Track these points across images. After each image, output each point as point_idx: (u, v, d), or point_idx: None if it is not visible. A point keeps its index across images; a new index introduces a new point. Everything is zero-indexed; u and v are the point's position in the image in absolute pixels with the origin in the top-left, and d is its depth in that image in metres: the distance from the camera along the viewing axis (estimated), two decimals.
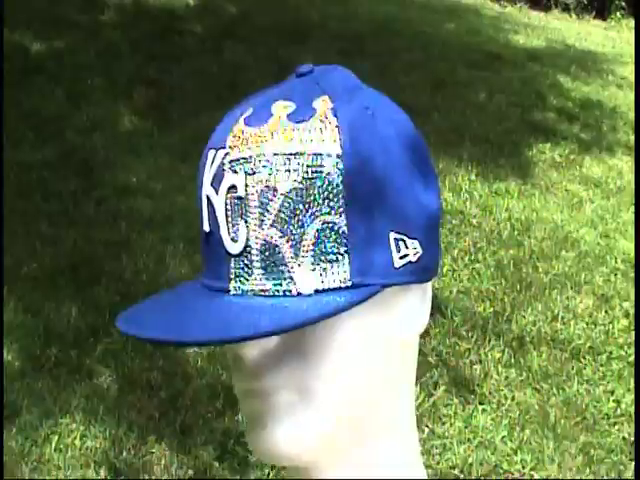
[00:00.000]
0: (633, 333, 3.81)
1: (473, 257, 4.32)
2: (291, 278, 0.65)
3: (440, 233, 0.73)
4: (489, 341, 3.71)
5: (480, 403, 3.38)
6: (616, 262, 4.42)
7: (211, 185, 0.67)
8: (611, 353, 3.75)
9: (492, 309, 3.93)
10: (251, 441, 0.71)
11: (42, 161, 4.69)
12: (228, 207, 0.66)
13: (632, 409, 3.38)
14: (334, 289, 0.65)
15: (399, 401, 0.73)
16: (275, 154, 0.65)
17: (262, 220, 0.65)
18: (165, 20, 6.86)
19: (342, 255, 0.65)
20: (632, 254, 4.42)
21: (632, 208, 5.00)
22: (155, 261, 3.97)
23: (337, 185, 0.64)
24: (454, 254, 4.31)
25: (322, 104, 0.67)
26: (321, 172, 0.64)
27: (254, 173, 0.65)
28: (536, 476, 3.08)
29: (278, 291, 0.65)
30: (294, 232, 0.64)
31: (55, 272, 3.80)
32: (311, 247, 0.65)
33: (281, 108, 0.67)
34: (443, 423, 3.26)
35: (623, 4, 11.08)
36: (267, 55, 6.26)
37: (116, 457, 2.94)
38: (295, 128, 0.65)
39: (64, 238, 4.06)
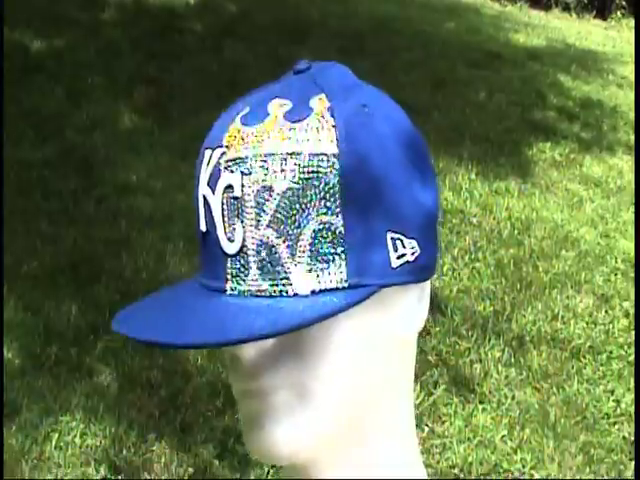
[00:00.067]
0: (633, 333, 3.81)
1: (473, 256, 4.32)
2: (287, 279, 0.64)
3: (438, 232, 0.72)
4: (489, 340, 3.71)
5: (480, 402, 3.38)
6: (616, 262, 4.42)
7: (207, 185, 0.67)
8: (611, 353, 3.75)
9: (492, 308, 3.93)
10: (248, 441, 0.70)
11: (42, 159, 4.68)
12: (224, 207, 0.66)
13: (632, 409, 3.38)
14: (331, 290, 0.64)
15: (398, 400, 0.73)
16: (271, 154, 0.64)
17: (258, 220, 0.64)
18: (165, 18, 6.86)
19: (339, 255, 0.64)
20: (632, 254, 4.41)
21: (632, 208, 5.00)
22: (155, 259, 3.97)
23: (334, 185, 0.64)
24: (454, 253, 4.30)
25: (319, 103, 0.66)
26: (318, 172, 0.64)
27: (250, 173, 0.65)
28: (536, 475, 3.08)
29: (275, 292, 0.64)
30: (290, 232, 0.64)
31: (55, 270, 3.80)
32: (308, 247, 0.64)
33: (277, 107, 0.67)
34: (443, 422, 3.26)
35: (623, 3, 11.07)
36: (267, 53, 6.26)
37: (116, 455, 2.94)
38: (291, 128, 0.65)
39: (64, 236, 4.06)
